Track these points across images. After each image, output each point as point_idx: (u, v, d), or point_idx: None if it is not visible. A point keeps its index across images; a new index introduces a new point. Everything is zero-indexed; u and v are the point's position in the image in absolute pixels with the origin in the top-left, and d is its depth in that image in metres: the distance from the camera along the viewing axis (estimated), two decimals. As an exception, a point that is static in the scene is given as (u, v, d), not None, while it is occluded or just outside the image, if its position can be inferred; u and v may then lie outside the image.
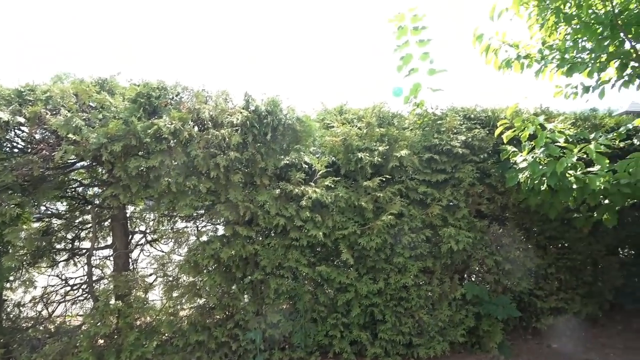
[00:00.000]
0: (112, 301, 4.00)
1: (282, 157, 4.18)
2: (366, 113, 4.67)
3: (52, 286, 4.34)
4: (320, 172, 4.25)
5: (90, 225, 4.31)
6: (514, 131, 4.24)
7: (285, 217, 4.05)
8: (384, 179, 4.34)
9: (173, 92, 3.98)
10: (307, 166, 4.29)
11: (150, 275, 4.28)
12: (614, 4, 3.80)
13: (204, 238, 4.15)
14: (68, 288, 4.36)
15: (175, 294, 4.13)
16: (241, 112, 3.96)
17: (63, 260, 4.41)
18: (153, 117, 3.78)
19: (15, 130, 3.77)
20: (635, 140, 4.41)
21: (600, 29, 3.90)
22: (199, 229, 4.35)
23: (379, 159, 4.33)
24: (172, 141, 3.71)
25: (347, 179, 4.45)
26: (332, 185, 4.22)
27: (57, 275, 4.35)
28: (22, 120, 3.54)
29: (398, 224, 4.34)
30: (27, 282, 4.05)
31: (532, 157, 4.06)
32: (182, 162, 3.74)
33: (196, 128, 3.94)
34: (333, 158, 4.41)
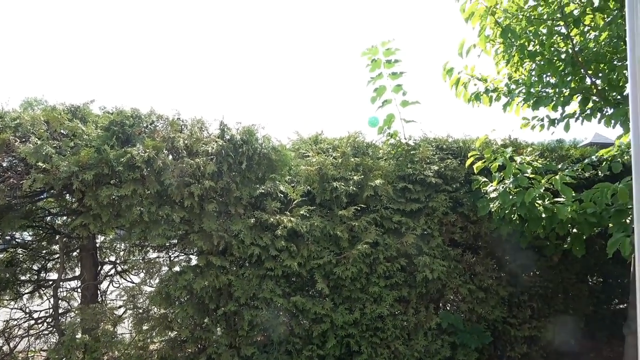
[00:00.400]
0: (79, 335, 3.85)
1: (258, 186, 4.18)
2: (341, 143, 4.74)
3: (15, 320, 4.16)
4: (296, 201, 4.26)
5: (57, 255, 4.18)
6: (484, 162, 4.37)
7: (260, 247, 4.02)
8: (359, 208, 4.37)
9: (147, 120, 3.97)
10: (282, 195, 4.29)
11: (120, 307, 4.15)
12: (574, 42, 4.01)
13: (177, 268, 4.06)
14: (32, 322, 4.18)
15: (145, 327, 4.00)
16: (216, 141, 3.96)
17: (28, 293, 4.25)
18: (126, 145, 3.75)
19: (-18, 158, 3.67)
20: (599, 171, 4.58)
21: (563, 65, 4.10)
22: (172, 259, 4.27)
23: (354, 188, 4.37)
24: (145, 170, 3.66)
25: (323, 208, 4.47)
26: (308, 215, 4.22)
27: (21, 308, 4.18)
28: (-11, 147, 3.46)
29: (373, 253, 4.35)
30: (-12, 316, 3.87)
31: (502, 187, 4.17)
32: (155, 191, 3.69)
33: (170, 157, 3.92)
34: (308, 187, 4.43)
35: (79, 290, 4.25)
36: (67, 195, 3.99)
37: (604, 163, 4.39)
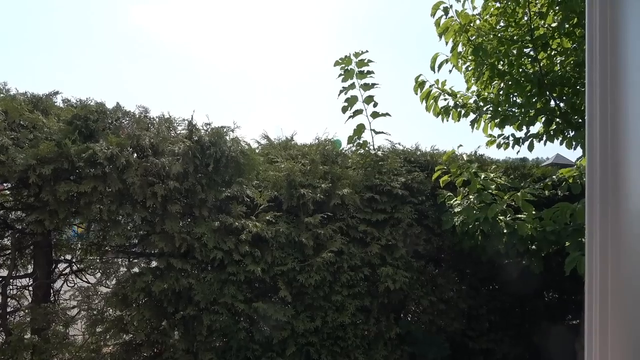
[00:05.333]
0: (28, 335, 3.68)
1: (224, 189, 4.12)
2: (310, 150, 4.73)
3: (-41, 318, 3.94)
4: (262, 206, 4.22)
5: (8, 251, 4.00)
6: (450, 176, 4.44)
7: (223, 251, 3.95)
8: (325, 216, 4.37)
9: (113, 116, 3.86)
10: (248, 199, 4.24)
11: (73, 308, 4.00)
12: (541, 65, 4.14)
13: (136, 270, 3.95)
14: (-23, 320, 3.97)
15: (99, 329, 3.87)
16: (184, 142, 3.89)
17: (-26, 289, 4.03)
18: (89, 140, 3.63)
19: None
20: (559, 191, 4.73)
21: (529, 86, 4.23)
22: (131, 260, 4.15)
23: (322, 196, 4.36)
24: (107, 167, 3.55)
25: (289, 215, 4.44)
26: (273, 220, 4.18)
27: (-34, 306, 3.96)
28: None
29: (338, 261, 4.34)
30: None
31: (467, 202, 4.25)
32: (116, 189, 3.58)
33: (135, 155, 3.82)
34: (275, 193, 4.39)
35: (31, 288, 4.07)
36: (23, 189, 3.83)
37: (564, 183, 4.54)
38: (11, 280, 3.94)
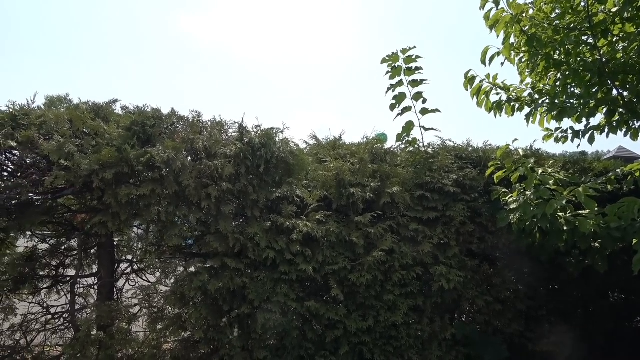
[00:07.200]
0: (94, 332, 3.89)
1: (274, 189, 4.18)
2: (359, 149, 4.72)
3: (33, 314, 4.22)
4: (312, 206, 4.24)
5: (76, 252, 4.24)
6: (505, 172, 4.29)
7: (275, 250, 4.01)
8: (375, 215, 4.33)
9: (168, 121, 4.00)
10: (298, 199, 4.28)
11: (135, 305, 4.18)
12: (601, 52, 3.92)
13: (192, 269, 4.08)
14: (49, 316, 4.24)
15: (159, 326, 4.02)
16: (235, 144, 3.98)
17: (46, 288, 4.31)
18: (147, 145, 3.79)
19: (7, 154, 3.75)
20: (624, 186, 4.46)
21: (589, 76, 4.01)
22: (187, 259, 4.29)
23: (371, 195, 4.34)
24: (164, 170, 3.69)
25: (339, 214, 4.44)
26: (324, 220, 4.20)
27: (39, 303, 4.24)
28: (14, 144, 3.52)
29: (389, 260, 4.30)
30: (7, 309, 3.94)
31: (523, 198, 4.09)
32: (173, 191, 3.71)
33: (189, 158, 3.95)
34: (325, 192, 4.41)
35: (96, 287, 4.29)
36: (87, 193, 4.05)
37: (629, 177, 4.28)
38: (78, 280, 4.17)
